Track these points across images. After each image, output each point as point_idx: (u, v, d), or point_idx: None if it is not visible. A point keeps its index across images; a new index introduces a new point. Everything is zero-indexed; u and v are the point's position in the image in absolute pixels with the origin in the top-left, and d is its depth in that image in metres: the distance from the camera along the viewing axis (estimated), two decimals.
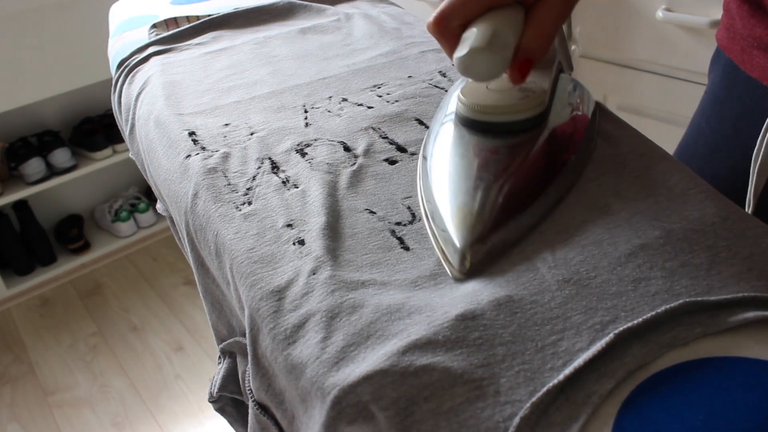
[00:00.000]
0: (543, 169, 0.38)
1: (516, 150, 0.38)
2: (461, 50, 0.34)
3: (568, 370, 0.28)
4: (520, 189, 0.37)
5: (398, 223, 0.39)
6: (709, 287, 0.31)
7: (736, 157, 0.56)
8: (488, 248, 0.35)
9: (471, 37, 0.34)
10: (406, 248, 0.37)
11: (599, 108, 0.45)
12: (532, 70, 0.38)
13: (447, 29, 0.37)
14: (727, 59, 0.57)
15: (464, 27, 0.36)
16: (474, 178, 0.37)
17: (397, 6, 0.77)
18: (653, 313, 0.30)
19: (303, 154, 0.46)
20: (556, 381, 0.27)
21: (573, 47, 0.57)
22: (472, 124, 0.39)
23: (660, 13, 1.14)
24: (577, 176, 0.39)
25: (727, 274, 0.32)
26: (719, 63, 0.59)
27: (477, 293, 0.33)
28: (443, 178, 0.38)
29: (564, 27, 0.52)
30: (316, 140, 0.48)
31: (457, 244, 0.35)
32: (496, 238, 0.35)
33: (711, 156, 0.60)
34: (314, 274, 0.35)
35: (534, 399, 0.27)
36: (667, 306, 0.30)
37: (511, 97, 0.38)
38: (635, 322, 0.29)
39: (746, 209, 0.51)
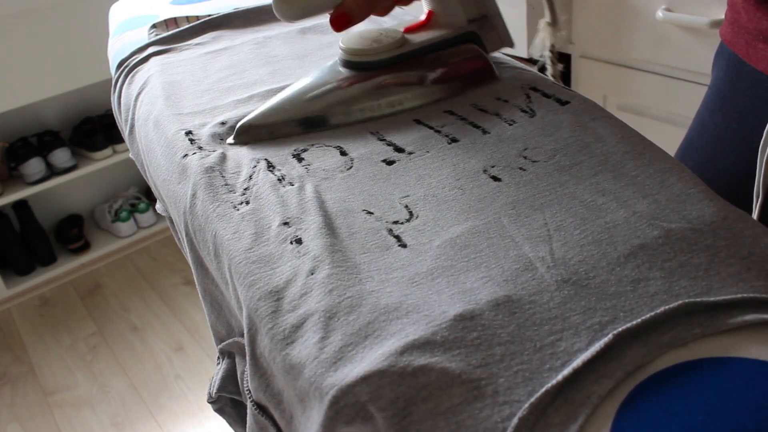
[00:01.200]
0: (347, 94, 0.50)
1: (348, 79, 0.51)
2: None
3: (566, 371, 0.28)
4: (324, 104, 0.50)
5: (396, 222, 0.39)
6: (708, 288, 0.31)
7: (742, 151, 0.56)
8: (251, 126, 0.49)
9: None
10: (404, 245, 0.37)
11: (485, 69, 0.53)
12: (428, 29, 0.53)
13: None
14: (731, 54, 0.58)
15: None
16: (301, 85, 0.52)
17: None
18: (652, 313, 0.30)
19: (300, 159, 0.46)
20: (554, 381, 0.27)
21: (561, 35, 0.63)
22: (340, 60, 0.52)
23: (660, 13, 1.14)
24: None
25: (726, 275, 0.32)
26: (723, 58, 0.60)
27: (475, 292, 0.33)
28: (299, 80, 0.53)
29: (546, 13, 0.58)
30: (312, 144, 0.48)
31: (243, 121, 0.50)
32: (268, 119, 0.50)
33: (716, 150, 0.60)
34: (312, 274, 0.35)
35: (532, 399, 0.27)
36: (666, 307, 0.30)
37: (365, 44, 0.51)
38: (634, 322, 0.29)
39: (754, 202, 0.52)
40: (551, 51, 0.61)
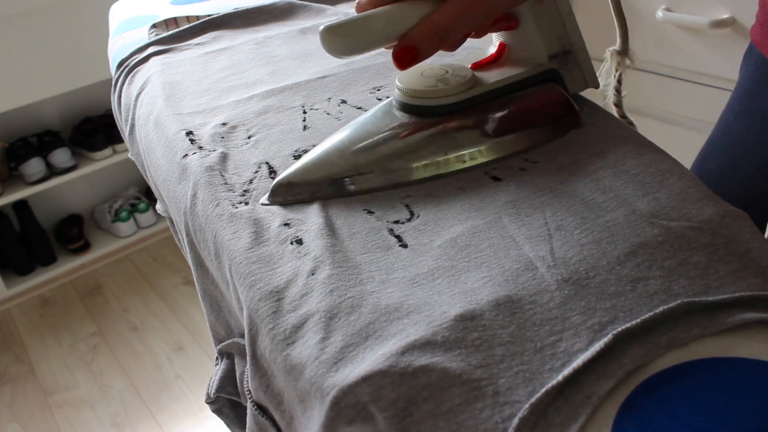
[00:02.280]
0: (408, 151, 0.43)
1: (410, 127, 0.43)
2: (324, 25, 0.38)
3: (567, 371, 0.28)
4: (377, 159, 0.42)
5: (396, 222, 0.39)
6: (707, 287, 0.31)
7: (764, 153, 0.55)
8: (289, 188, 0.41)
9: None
10: (405, 245, 0.37)
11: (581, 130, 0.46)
12: (503, 66, 0.45)
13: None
14: (759, 55, 0.56)
15: None
16: (347, 135, 0.44)
17: None
18: (651, 313, 0.30)
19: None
20: (555, 382, 0.27)
21: (629, 64, 0.58)
22: (396, 103, 0.45)
23: (660, 13, 1.14)
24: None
25: (724, 273, 0.32)
26: (751, 59, 0.58)
27: (476, 292, 0.33)
28: (346, 126, 0.45)
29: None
30: (314, 145, 0.48)
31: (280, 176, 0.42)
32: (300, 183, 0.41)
33: (738, 152, 0.59)
34: (313, 274, 0.35)
35: (533, 400, 0.27)
36: (665, 306, 0.30)
37: (430, 85, 0.43)
38: (633, 322, 0.29)
39: None
40: (618, 81, 0.55)
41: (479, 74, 0.45)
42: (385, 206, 0.41)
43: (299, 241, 0.38)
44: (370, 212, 0.40)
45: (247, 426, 0.40)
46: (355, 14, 0.39)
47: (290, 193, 0.41)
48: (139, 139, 0.58)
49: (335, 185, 0.41)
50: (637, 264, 0.33)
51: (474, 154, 0.42)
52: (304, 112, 0.53)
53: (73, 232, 2.16)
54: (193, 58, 0.65)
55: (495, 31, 0.47)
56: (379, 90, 0.55)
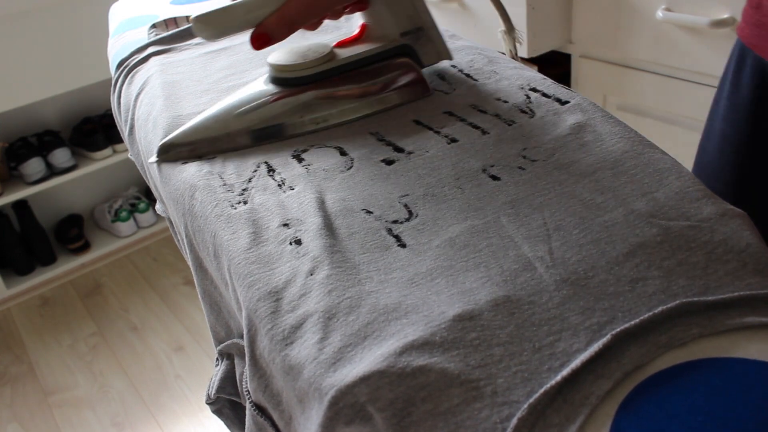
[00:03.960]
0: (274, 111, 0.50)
1: (275, 94, 0.50)
2: (195, 15, 0.45)
3: (565, 371, 0.28)
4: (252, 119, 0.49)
5: (395, 221, 0.39)
6: (706, 286, 0.31)
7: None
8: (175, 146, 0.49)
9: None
10: (403, 245, 0.37)
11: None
12: (360, 43, 0.52)
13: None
14: (756, 57, 0.56)
15: None
16: (225, 104, 0.51)
17: None
18: (650, 313, 0.30)
19: (300, 160, 0.46)
20: (553, 382, 0.27)
21: (518, 42, 0.64)
22: (267, 77, 0.52)
23: (660, 13, 1.14)
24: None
25: (723, 272, 0.32)
26: (748, 63, 0.57)
27: (474, 292, 0.33)
28: (226, 97, 0.52)
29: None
30: (312, 145, 0.48)
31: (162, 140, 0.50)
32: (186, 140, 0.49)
33: (748, 169, 0.59)
34: (312, 274, 0.35)
35: (531, 400, 0.27)
36: (664, 307, 0.30)
37: (290, 60, 0.50)
38: (632, 322, 0.29)
39: None
40: (512, 57, 0.60)
41: (339, 51, 0.52)
42: (383, 206, 0.41)
43: (298, 242, 0.38)
44: (369, 212, 0.40)
45: (246, 426, 0.40)
46: (214, 7, 0.46)
47: (173, 153, 0.49)
48: (139, 139, 0.58)
49: (212, 144, 0.49)
50: (636, 264, 0.33)
51: (326, 117, 0.50)
52: None
53: (73, 232, 2.16)
54: (192, 58, 0.65)
55: (349, 13, 0.53)
56: None
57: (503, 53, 0.60)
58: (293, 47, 0.51)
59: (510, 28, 0.60)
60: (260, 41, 0.46)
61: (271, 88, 0.51)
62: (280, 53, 0.51)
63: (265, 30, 0.46)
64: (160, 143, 0.50)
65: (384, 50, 0.52)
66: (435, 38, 0.53)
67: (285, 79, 0.50)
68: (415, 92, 0.52)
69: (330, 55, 0.51)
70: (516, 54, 0.61)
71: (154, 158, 0.50)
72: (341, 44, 0.53)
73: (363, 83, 0.51)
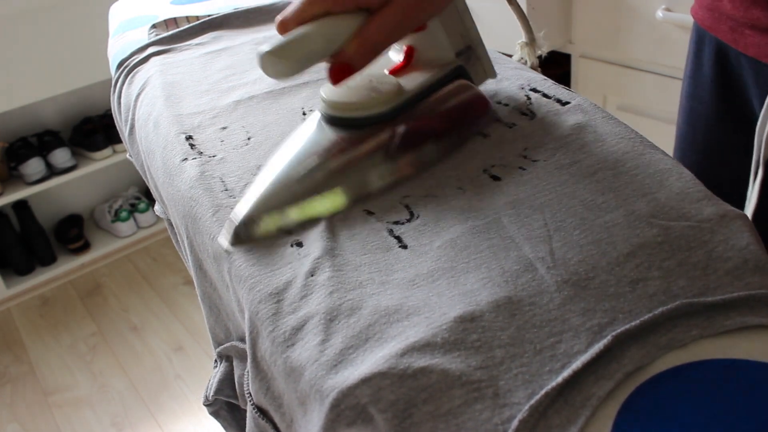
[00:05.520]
0: (352, 168, 0.41)
1: (343, 143, 0.42)
2: (260, 49, 0.37)
3: (566, 373, 0.28)
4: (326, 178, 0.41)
5: (396, 222, 0.39)
6: (706, 287, 0.31)
7: (739, 130, 0.59)
8: (255, 226, 0.39)
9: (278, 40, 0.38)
10: (404, 246, 0.37)
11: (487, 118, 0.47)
12: (415, 70, 0.46)
13: (285, 33, 0.39)
14: (712, 38, 0.60)
15: None
16: (289, 161, 0.42)
17: None
18: (651, 314, 0.30)
19: None
20: (554, 383, 0.27)
21: (541, 52, 0.61)
22: (323, 116, 0.43)
23: (660, 13, 1.14)
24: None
25: (723, 272, 0.32)
26: (708, 44, 0.61)
27: (476, 293, 0.33)
28: (278, 153, 0.44)
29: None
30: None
31: (237, 215, 0.40)
32: (266, 219, 0.39)
33: (714, 137, 0.63)
34: (312, 275, 0.35)
35: (532, 402, 0.27)
36: (665, 308, 0.30)
37: (358, 95, 0.42)
38: (633, 324, 0.29)
39: (751, 181, 0.54)
40: (534, 69, 0.57)
41: (400, 81, 0.45)
42: (384, 206, 0.41)
43: (299, 244, 0.38)
44: (370, 213, 0.40)
45: (247, 428, 0.40)
46: (288, 34, 0.38)
47: (249, 234, 0.39)
48: (139, 139, 0.58)
49: (297, 213, 0.40)
50: (637, 265, 0.33)
51: (412, 161, 0.43)
52: (304, 113, 0.53)
53: (73, 232, 2.17)
54: (192, 59, 0.65)
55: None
56: None
57: (507, 55, 0.57)
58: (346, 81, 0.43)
59: (531, 39, 0.57)
60: (342, 73, 0.39)
61: (333, 133, 0.42)
62: (334, 88, 0.42)
63: (347, 59, 0.38)
64: (235, 229, 0.39)
65: (445, 75, 0.46)
66: (482, 56, 0.49)
67: (354, 120, 0.42)
68: (486, 121, 0.47)
69: (399, 87, 0.43)
70: (537, 66, 0.57)
71: (227, 245, 0.39)
72: (394, 72, 0.46)
73: (440, 118, 0.45)
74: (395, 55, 0.48)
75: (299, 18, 0.39)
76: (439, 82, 0.46)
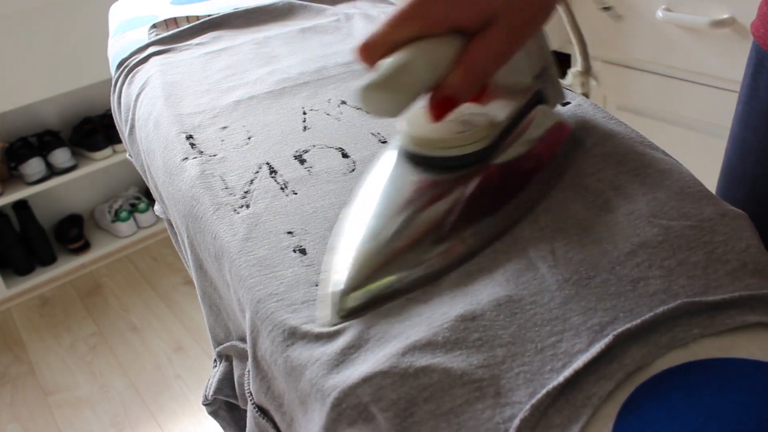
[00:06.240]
0: (451, 219, 0.35)
1: (439, 189, 0.36)
2: (361, 83, 0.32)
3: (567, 372, 0.28)
4: (424, 237, 0.34)
5: None
6: (706, 286, 0.31)
7: None
8: (366, 297, 0.33)
9: (376, 70, 0.32)
10: None
11: (574, 142, 0.43)
12: (497, 98, 0.38)
13: (371, 59, 0.33)
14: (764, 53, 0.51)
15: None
16: (381, 216, 0.35)
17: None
18: (651, 314, 0.30)
19: (302, 161, 0.46)
20: (555, 383, 0.27)
21: (593, 83, 0.53)
22: (406, 154, 0.37)
23: (660, 13, 1.14)
24: (510, 222, 0.37)
25: (723, 272, 0.32)
26: (764, 66, 0.52)
27: (477, 292, 0.33)
28: (362, 206, 0.37)
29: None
30: (314, 146, 0.48)
31: (336, 289, 0.33)
32: (377, 288, 0.33)
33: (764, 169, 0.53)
34: (316, 285, 0.35)
35: (534, 401, 0.27)
36: (665, 307, 0.30)
37: (450, 130, 0.36)
38: (634, 323, 0.29)
39: None
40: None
41: (486, 112, 0.39)
42: None
43: (302, 251, 0.38)
44: None
45: (248, 428, 0.40)
46: (384, 64, 0.32)
47: (357, 309, 0.34)
48: (139, 139, 0.58)
49: (393, 287, 0.34)
50: (637, 264, 0.33)
51: (522, 202, 0.38)
52: (304, 113, 0.53)
53: (73, 232, 2.16)
54: (193, 59, 0.65)
55: None
56: None
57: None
58: (418, 112, 0.37)
59: (588, 68, 0.50)
60: (446, 107, 0.34)
61: (419, 175, 0.36)
62: (417, 123, 0.37)
63: (452, 91, 0.33)
64: (341, 309, 0.33)
65: (527, 102, 0.40)
66: (554, 77, 0.43)
67: (448, 160, 0.36)
68: (561, 144, 0.42)
69: (491, 119, 0.37)
70: (589, 95, 0.50)
71: (336, 319, 0.33)
72: (473, 101, 0.40)
73: (535, 152, 0.39)
74: None
75: (387, 42, 0.33)
76: (522, 110, 0.40)
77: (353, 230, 0.36)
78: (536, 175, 0.39)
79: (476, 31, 0.33)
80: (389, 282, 0.34)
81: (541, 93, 0.42)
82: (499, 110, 0.39)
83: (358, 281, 0.33)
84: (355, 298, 0.33)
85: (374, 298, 0.33)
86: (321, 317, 0.33)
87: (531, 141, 0.39)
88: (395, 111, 0.32)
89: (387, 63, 0.32)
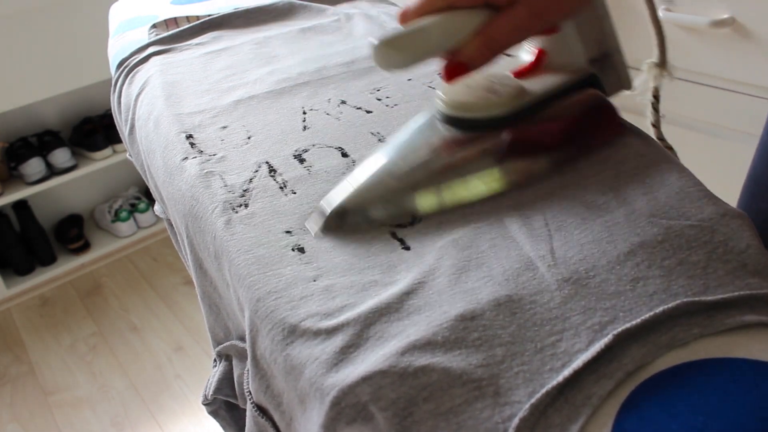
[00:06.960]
0: (455, 166, 0.40)
1: (457, 143, 0.40)
2: (375, 39, 0.36)
3: (567, 372, 0.28)
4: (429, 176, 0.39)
5: (399, 225, 0.39)
6: (706, 286, 0.31)
7: None
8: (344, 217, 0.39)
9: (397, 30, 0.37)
10: (407, 248, 0.37)
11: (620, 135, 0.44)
12: (543, 74, 0.43)
13: (406, 23, 0.38)
14: None
15: None
16: (396, 154, 0.41)
17: (397, 6, 0.77)
18: (651, 313, 0.30)
19: (301, 161, 0.46)
20: (555, 382, 0.27)
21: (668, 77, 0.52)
22: (440, 115, 0.42)
23: (660, 13, 1.14)
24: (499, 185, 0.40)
25: (723, 272, 0.32)
26: None
27: (476, 291, 0.33)
28: (387, 144, 0.43)
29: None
30: (313, 145, 0.48)
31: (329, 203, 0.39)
32: (355, 212, 0.39)
33: None
34: (315, 281, 0.35)
35: (533, 400, 0.27)
36: (665, 306, 0.30)
37: (478, 96, 0.41)
38: (633, 323, 0.29)
39: None
40: (654, 96, 0.51)
41: (525, 83, 0.42)
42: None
43: (301, 250, 0.38)
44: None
45: (247, 427, 0.40)
46: (407, 25, 0.36)
47: (344, 222, 0.39)
48: (140, 139, 0.58)
49: (393, 208, 0.39)
50: (637, 263, 0.33)
51: (530, 167, 0.41)
52: (304, 113, 0.53)
53: (73, 232, 2.16)
54: (193, 58, 0.65)
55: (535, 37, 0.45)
56: (378, 90, 0.55)
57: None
58: (466, 80, 0.41)
59: (663, 61, 0.52)
60: (457, 71, 0.37)
61: (450, 131, 0.41)
62: (453, 88, 0.42)
63: (465, 58, 0.37)
64: (333, 210, 0.39)
65: (573, 82, 0.43)
66: (618, 65, 0.46)
67: (471, 121, 0.41)
68: (610, 134, 0.44)
69: (521, 89, 0.41)
70: (657, 94, 0.52)
71: (317, 230, 0.39)
72: (518, 74, 0.44)
73: (566, 124, 0.42)
74: (526, 56, 0.46)
75: (422, 9, 0.37)
76: (565, 88, 0.43)
77: (368, 163, 0.41)
78: (554, 149, 0.42)
79: (503, 8, 0.36)
80: (374, 210, 0.39)
81: (596, 78, 0.44)
82: (535, 84, 0.42)
83: (347, 205, 0.39)
84: (340, 218, 0.38)
85: (362, 217, 0.39)
86: (309, 228, 0.39)
87: (560, 118, 0.42)
88: (398, 67, 0.36)
89: (406, 25, 0.36)
